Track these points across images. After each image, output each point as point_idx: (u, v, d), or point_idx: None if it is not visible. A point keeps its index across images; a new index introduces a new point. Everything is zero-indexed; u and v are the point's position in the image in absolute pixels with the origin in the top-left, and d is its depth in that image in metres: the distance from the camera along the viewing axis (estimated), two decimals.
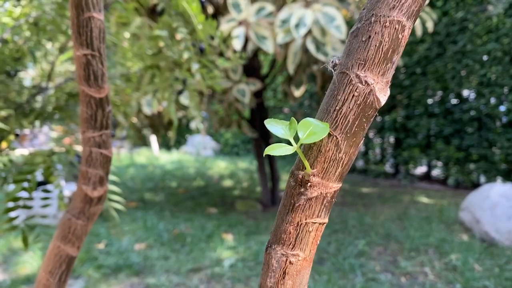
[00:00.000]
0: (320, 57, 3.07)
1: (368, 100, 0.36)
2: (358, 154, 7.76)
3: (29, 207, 1.05)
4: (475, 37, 5.81)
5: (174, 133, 1.38)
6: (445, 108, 6.27)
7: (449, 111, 6.25)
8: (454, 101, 6.22)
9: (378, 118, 7.35)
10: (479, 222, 3.54)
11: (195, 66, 1.13)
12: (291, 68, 3.26)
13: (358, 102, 0.35)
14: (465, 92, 6.20)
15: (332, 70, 0.37)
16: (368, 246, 3.41)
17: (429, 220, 4.09)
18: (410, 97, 6.70)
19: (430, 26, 4.50)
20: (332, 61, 0.38)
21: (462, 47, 5.96)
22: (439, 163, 6.73)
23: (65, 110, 1.14)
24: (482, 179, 6.08)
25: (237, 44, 3.03)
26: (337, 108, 0.36)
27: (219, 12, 4.28)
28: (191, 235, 3.81)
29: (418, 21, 4.57)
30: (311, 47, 3.06)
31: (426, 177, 7.02)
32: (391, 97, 6.96)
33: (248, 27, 3.12)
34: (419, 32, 4.51)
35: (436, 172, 7.02)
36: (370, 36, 0.34)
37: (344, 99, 0.35)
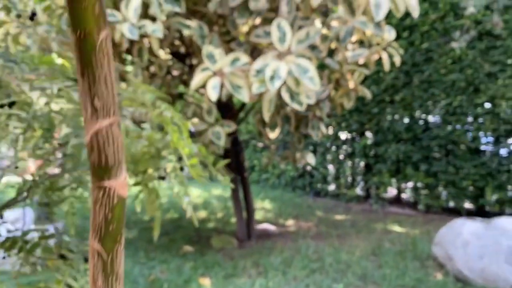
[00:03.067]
0: (295, 106, 3.10)
1: None
2: (331, 178, 7.87)
3: None
4: (440, 67, 6.01)
5: (157, 229, 1.35)
6: (413, 135, 6.43)
7: (417, 137, 6.41)
8: (421, 128, 6.39)
9: (349, 145, 7.46)
10: (452, 260, 3.63)
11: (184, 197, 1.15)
12: (266, 116, 3.28)
13: None
14: (432, 120, 6.38)
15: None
16: None
17: (404, 255, 4.16)
18: (379, 124, 6.84)
19: (397, 60, 4.64)
20: None
21: (428, 77, 6.14)
22: (410, 184, 6.88)
23: None
24: (452, 203, 6.25)
25: (213, 95, 3.04)
26: None
27: (192, 52, 4.29)
28: (168, 280, 3.75)
29: (385, 56, 4.70)
30: (285, 96, 3.10)
31: (397, 200, 7.16)
32: (361, 124, 7.09)
33: (223, 76, 3.13)
34: (387, 67, 4.64)
35: (406, 195, 7.16)
36: None
37: None
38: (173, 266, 4.12)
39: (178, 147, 0.93)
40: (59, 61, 1.66)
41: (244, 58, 3.14)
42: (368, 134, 7.16)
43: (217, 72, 3.13)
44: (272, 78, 2.95)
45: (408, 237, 4.88)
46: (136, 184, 1.12)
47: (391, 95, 6.63)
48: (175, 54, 4.46)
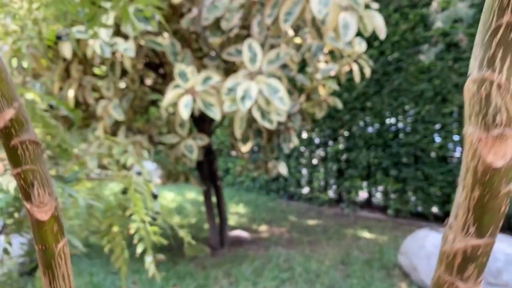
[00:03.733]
0: (266, 124, 3.17)
1: None
2: (304, 182, 8.00)
3: None
4: (409, 77, 6.17)
5: (124, 281, 1.40)
6: (383, 141, 6.59)
7: (387, 144, 6.57)
8: (391, 135, 6.55)
9: (321, 150, 7.60)
10: (416, 270, 3.77)
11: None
12: (238, 132, 3.34)
13: None
14: (401, 127, 6.56)
15: None
16: None
17: (371, 264, 4.30)
18: (351, 130, 6.99)
19: (367, 72, 4.77)
20: None
21: (397, 86, 6.30)
22: (380, 188, 7.05)
23: None
24: (420, 208, 6.44)
25: (184, 113, 3.08)
26: None
27: (165, 62, 4.30)
28: None
29: (356, 68, 4.82)
30: (256, 115, 3.16)
31: (367, 203, 7.33)
32: (333, 130, 7.23)
33: (195, 94, 3.18)
34: (357, 78, 4.76)
35: (377, 198, 7.34)
36: None
37: None
38: (145, 277, 4.15)
39: (140, 215, 0.99)
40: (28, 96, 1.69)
41: (216, 77, 3.19)
42: (340, 139, 7.31)
43: (189, 90, 3.17)
44: (243, 98, 3.01)
45: (376, 244, 5.02)
46: (103, 235, 1.17)
47: (362, 103, 6.77)
48: (148, 64, 4.47)
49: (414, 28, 6.10)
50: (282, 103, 3.04)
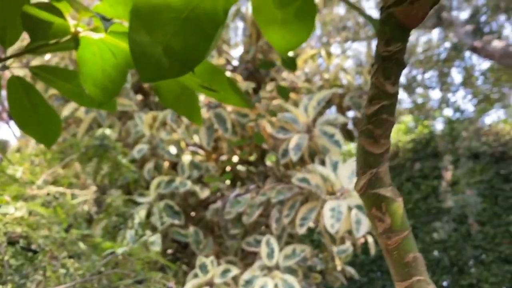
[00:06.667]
0: None
1: None
2: None
3: None
4: (424, 245, 6.25)
5: None
6: None
7: None
8: None
9: None
10: None
11: None
12: None
13: None
14: None
15: None
16: None
17: None
18: None
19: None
20: None
21: None
22: None
23: None
24: None
25: None
26: None
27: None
28: None
29: (371, 239, 4.95)
30: None
31: None
32: None
33: (213, 286, 3.33)
34: (372, 251, 4.85)
35: None
36: None
37: None
38: None
39: None
40: None
41: (235, 269, 3.37)
42: None
43: (208, 282, 3.33)
44: None
45: None
46: None
47: (379, 266, 6.78)
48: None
49: (426, 198, 6.34)
50: None
